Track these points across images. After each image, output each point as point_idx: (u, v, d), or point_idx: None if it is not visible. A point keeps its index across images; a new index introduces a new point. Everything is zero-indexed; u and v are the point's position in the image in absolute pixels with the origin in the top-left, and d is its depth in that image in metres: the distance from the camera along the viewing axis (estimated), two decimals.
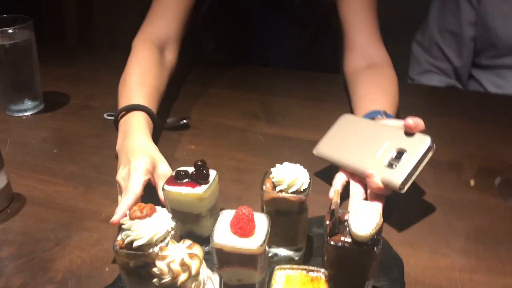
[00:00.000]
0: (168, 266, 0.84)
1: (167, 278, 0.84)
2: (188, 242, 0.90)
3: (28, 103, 2.11)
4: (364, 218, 1.01)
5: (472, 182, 1.69)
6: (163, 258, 0.86)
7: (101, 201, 1.62)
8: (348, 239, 1.02)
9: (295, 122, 2.10)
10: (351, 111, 2.01)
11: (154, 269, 0.86)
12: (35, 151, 1.91)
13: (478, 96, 2.59)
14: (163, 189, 1.22)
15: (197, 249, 0.88)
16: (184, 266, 0.85)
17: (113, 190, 1.64)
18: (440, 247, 1.41)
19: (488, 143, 1.95)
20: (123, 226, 1.04)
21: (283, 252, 1.27)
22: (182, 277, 0.84)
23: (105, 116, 2.12)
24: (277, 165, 1.22)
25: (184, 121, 2.05)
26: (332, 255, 1.03)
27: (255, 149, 1.94)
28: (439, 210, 1.57)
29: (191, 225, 1.24)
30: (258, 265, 1.05)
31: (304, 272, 0.98)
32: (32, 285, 1.28)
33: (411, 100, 2.13)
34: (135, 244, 1.02)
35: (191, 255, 0.86)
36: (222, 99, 2.32)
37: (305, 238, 1.28)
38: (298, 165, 1.22)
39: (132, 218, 1.04)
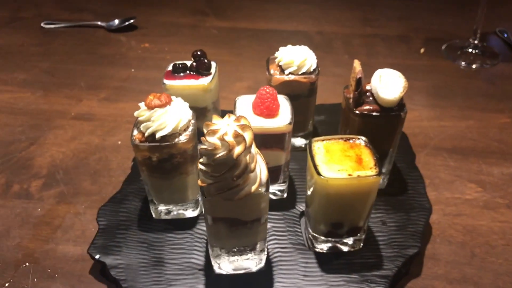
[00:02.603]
0: (222, 140, 0.78)
1: (221, 153, 0.78)
2: (233, 116, 0.83)
3: None
4: (389, 83, 0.99)
5: (422, 50, 1.86)
6: (214, 132, 0.79)
7: (66, 101, 1.58)
8: (375, 107, 1.00)
9: (245, 14, 2.13)
10: None
11: (203, 146, 0.79)
12: None
13: None
14: (162, 83, 1.12)
15: (246, 121, 0.82)
16: (239, 137, 0.78)
17: (75, 91, 1.63)
18: (406, 103, 1.52)
19: (431, 18, 2.12)
20: (140, 118, 0.95)
21: (292, 139, 1.24)
22: (238, 149, 0.78)
23: (42, 25, 2.03)
24: (281, 48, 1.17)
25: (131, 21, 2.00)
26: (359, 126, 1.02)
27: (211, 41, 1.94)
28: None
29: (197, 121, 1.16)
30: (286, 144, 1.01)
31: (341, 140, 0.95)
32: (18, 182, 1.26)
33: None
34: (158, 135, 0.94)
35: (242, 127, 0.80)
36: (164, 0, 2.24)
37: (312, 124, 1.25)
38: (303, 46, 1.16)
39: (151, 107, 0.95)
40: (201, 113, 1.17)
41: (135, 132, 0.97)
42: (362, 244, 1.01)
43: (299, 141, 1.27)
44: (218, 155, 0.77)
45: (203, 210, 1.05)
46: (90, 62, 1.78)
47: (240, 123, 0.80)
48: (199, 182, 0.82)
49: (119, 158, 1.31)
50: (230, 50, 1.86)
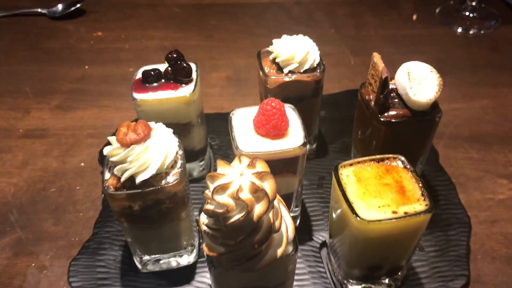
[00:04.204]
0: (236, 198, 0.56)
1: (236, 216, 0.56)
2: (245, 158, 0.61)
3: None
4: (420, 81, 0.79)
5: (414, 16, 1.65)
6: (223, 188, 0.57)
7: (11, 114, 1.29)
8: (404, 111, 0.81)
9: None
10: None
11: (209, 206, 0.57)
12: None
13: None
14: (132, 98, 0.87)
15: (262, 165, 0.60)
16: (259, 192, 0.57)
17: (20, 100, 1.33)
18: None
19: None
20: (113, 159, 0.71)
21: None
22: (258, 208, 0.57)
23: None
24: (275, 41, 0.94)
25: (77, 5, 1.69)
26: (386, 135, 0.82)
27: (174, 23, 1.66)
28: (393, 49, 1.50)
29: (180, 138, 0.93)
30: (299, 168, 0.80)
31: (374, 163, 0.75)
32: None
33: None
34: (139, 180, 0.71)
35: (261, 175, 0.58)
36: None
37: (317, 127, 1.05)
38: (301, 35, 0.94)
39: (126, 145, 0.71)
40: (184, 129, 0.94)
41: (107, 176, 0.73)
42: (400, 283, 0.83)
43: None
44: (233, 219, 0.56)
45: (203, 254, 0.84)
46: (34, 60, 1.49)
47: (256, 169, 0.58)
48: (205, 250, 0.61)
49: (85, 185, 1.08)
50: (198, 32, 1.61)
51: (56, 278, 0.90)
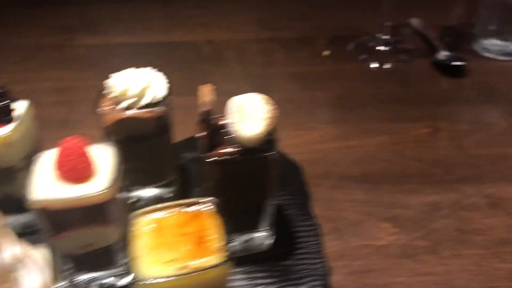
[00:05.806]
0: None
1: None
2: None
3: None
4: (251, 114, 0.70)
5: (325, 52, 1.58)
6: None
7: None
8: (233, 149, 0.71)
9: (123, 27, 1.79)
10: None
11: None
12: None
13: None
14: None
15: None
16: None
17: None
18: (305, 122, 1.27)
19: (337, 13, 1.83)
20: None
21: (148, 192, 0.93)
22: None
23: None
24: (113, 75, 0.85)
25: None
26: (215, 176, 0.71)
27: (77, 64, 1.59)
28: (298, 86, 1.43)
29: (4, 185, 0.82)
30: (111, 217, 0.70)
31: (177, 209, 0.65)
32: None
33: None
34: None
35: None
36: (23, 17, 1.85)
37: (175, 169, 0.95)
38: (146, 68, 0.86)
39: None
40: (7, 174, 0.83)
41: None
42: None
43: (160, 193, 0.96)
44: None
45: None
46: None
47: None
48: None
49: None
50: (99, 72, 1.49)
51: None
